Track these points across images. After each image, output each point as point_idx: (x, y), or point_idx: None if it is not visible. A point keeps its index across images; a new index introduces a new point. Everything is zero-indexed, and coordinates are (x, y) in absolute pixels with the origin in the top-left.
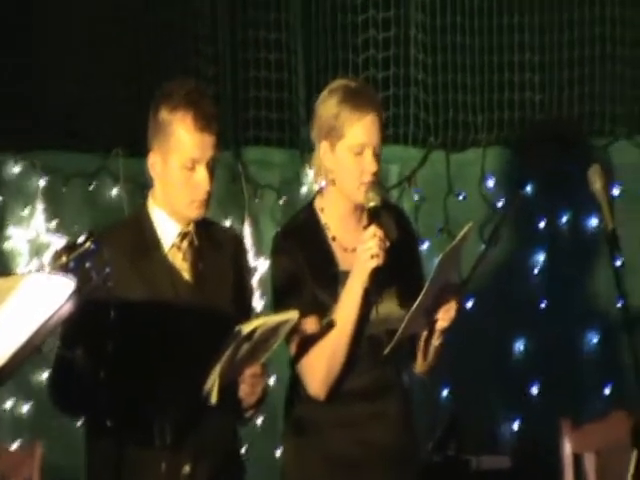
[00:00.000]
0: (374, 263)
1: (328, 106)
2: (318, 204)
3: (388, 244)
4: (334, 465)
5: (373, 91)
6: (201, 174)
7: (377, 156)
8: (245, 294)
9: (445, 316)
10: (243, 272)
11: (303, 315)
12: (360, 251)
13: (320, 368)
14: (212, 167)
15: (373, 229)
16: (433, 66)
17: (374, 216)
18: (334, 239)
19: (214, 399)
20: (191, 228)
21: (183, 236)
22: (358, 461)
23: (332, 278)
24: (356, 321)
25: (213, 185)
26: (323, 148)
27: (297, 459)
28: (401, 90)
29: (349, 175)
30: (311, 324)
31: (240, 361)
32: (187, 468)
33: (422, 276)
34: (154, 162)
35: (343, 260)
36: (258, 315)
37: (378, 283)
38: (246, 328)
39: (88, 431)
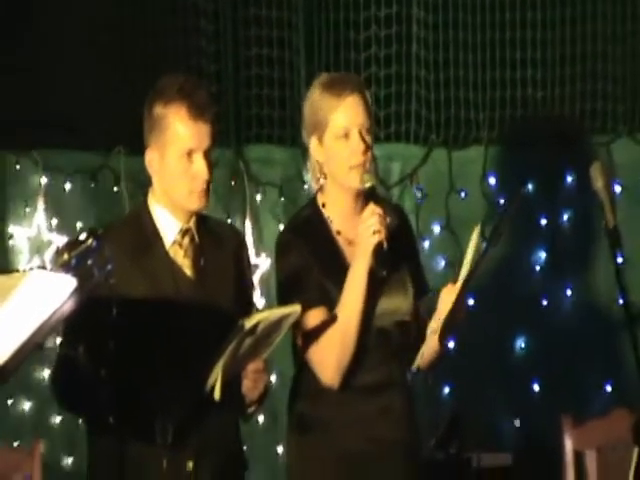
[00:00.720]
0: (376, 238)
1: (310, 102)
2: (320, 200)
3: (389, 220)
4: (341, 462)
5: (354, 76)
6: (199, 163)
7: (366, 136)
8: (246, 290)
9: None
10: (244, 268)
11: (311, 308)
12: (361, 229)
13: (332, 356)
14: (210, 156)
15: (372, 206)
16: (434, 63)
17: (372, 195)
18: (339, 233)
19: (218, 395)
20: (192, 224)
21: (184, 232)
22: (367, 458)
23: (340, 271)
24: (364, 302)
25: (212, 175)
26: (313, 144)
27: (302, 456)
28: (403, 87)
29: (339, 161)
30: (320, 315)
31: (243, 356)
32: (190, 465)
33: (422, 270)
34: (151, 159)
35: (349, 253)
36: (260, 310)
37: (382, 260)
38: (249, 322)
39: (90, 429)
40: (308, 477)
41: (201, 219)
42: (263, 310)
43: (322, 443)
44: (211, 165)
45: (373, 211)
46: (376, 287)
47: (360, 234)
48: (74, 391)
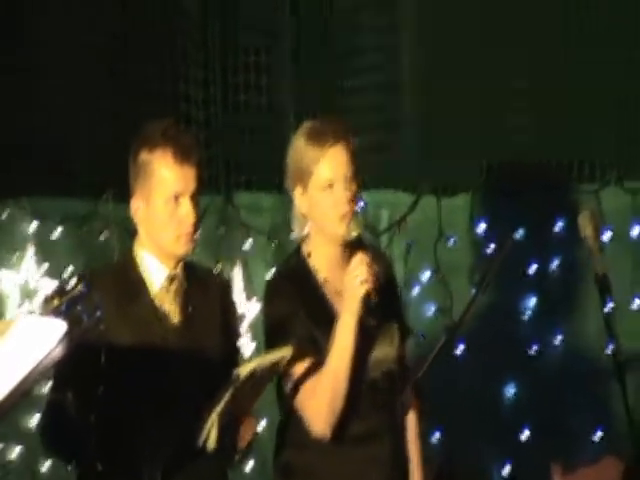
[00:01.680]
0: (364, 288)
1: (294, 150)
2: (305, 249)
3: (376, 269)
4: None
5: (338, 124)
6: (185, 207)
7: (350, 186)
8: (232, 337)
9: None
10: (230, 316)
11: (299, 353)
12: (348, 279)
13: (323, 406)
14: (196, 200)
15: (360, 255)
16: (424, 110)
17: (358, 243)
18: (326, 281)
19: (213, 444)
20: (179, 270)
21: (171, 279)
22: None
23: (328, 320)
24: (354, 352)
25: (199, 218)
26: (297, 194)
27: None
28: (390, 135)
29: (323, 211)
30: (308, 364)
31: (236, 403)
32: None
33: (403, 315)
34: (137, 207)
35: (337, 302)
36: (249, 358)
37: (371, 310)
38: (244, 371)
39: (79, 475)
40: None
41: (188, 266)
42: (254, 358)
43: None
44: (198, 208)
45: (361, 260)
46: (366, 337)
47: (347, 284)
48: (62, 437)
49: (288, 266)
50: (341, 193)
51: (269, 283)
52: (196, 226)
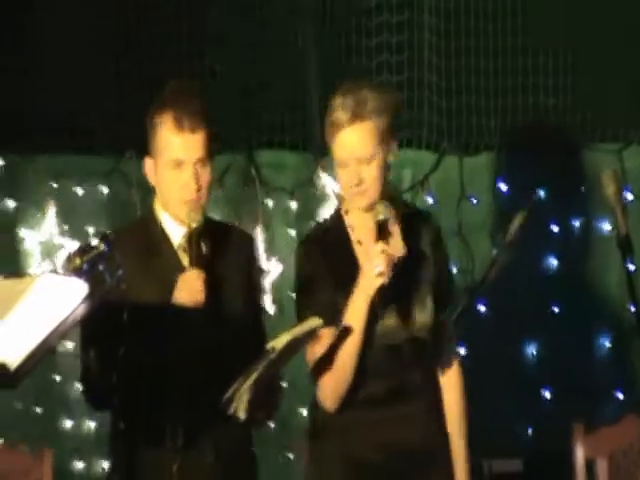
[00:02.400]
0: (380, 281)
1: (328, 112)
2: (344, 207)
3: (398, 256)
4: (354, 469)
5: (363, 97)
6: (186, 174)
7: (364, 167)
8: (255, 294)
9: None
10: (253, 272)
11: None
12: (367, 269)
13: (328, 382)
14: (204, 166)
15: (380, 246)
16: (446, 70)
17: (382, 231)
18: (359, 242)
19: (242, 415)
20: (195, 226)
21: (189, 236)
22: (379, 466)
23: (353, 283)
24: (361, 335)
25: (208, 185)
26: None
27: (318, 463)
28: (415, 94)
29: (340, 185)
30: (326, 335)
31: (266, 373)
32: (174, 468)
33: (444, 283)
34: (149, 167)
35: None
36: (273, 316)
37: (383, 298)
38: (277, 344)
39: (110, 433)
40: None
41: (208, 222)
42: (287, 330)
43: (337, 450)
44: (206, 175)
45: (382, 250)
46: (375, 320)
47: (364, 272)
48: (95, 395)
49: (323, 225)
50: (351, 176)
51: (299, 246)
52: (201, 194)
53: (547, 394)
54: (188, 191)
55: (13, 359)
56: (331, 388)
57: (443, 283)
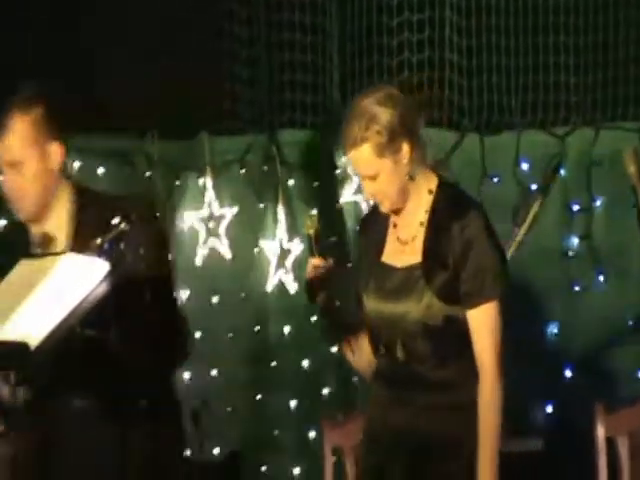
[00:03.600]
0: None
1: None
2: None
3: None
4: (367, 441)
5: (363, 119)
6: (2, 177)
7: (372, 181)
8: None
9: None
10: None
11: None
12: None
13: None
14: (12, 170)
15: (311, 261)
16: (468, 49)
17: (315, 243)
18: (395, 226)
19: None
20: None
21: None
22: (384, 443)
23: (370, 267)
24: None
25: (23, 186)
26: None
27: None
28: (435, 73)
29: None
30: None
31: None
32: None
33: (471, 277)
34: None
35: (390, 251)
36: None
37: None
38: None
39: None
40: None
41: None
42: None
43: (364, 423)
44: (23, 178)
45: (313, 265)
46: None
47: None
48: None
49: (373, 206)
50: (365, 188)
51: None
52: (18, 195)
53: (568, 373)
54: (7, 193)
55: (34, 338)
56: (351, 360)
57: (468, 283)
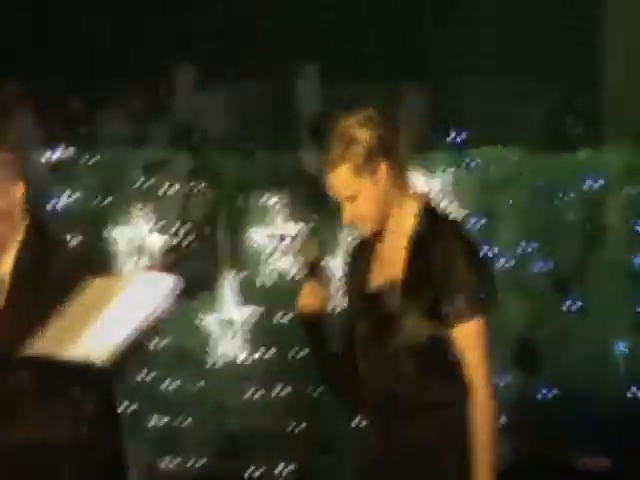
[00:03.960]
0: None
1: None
2: None
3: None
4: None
5: (343, 141)
6: None
7: (349, 201)
8: None
9: None
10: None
11: None
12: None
13: None
14: None
15: (307, 287)
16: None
17: (313, 269)
18: (379, 252)
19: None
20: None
21: None
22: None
23: (355, 286)
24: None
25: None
26: None
27: None
28: None
29: None
30: None
31: None
32: None
33: (455, 293)
34: None
35: (374, 277)
36: None
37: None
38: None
39: None
40: None
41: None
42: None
43: None
44: None
45: (310, 290)
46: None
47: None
48: None
49: None
50: (344, 209)
51: None
52: None
53: (633, 390)
54: None
55: (105, 356)
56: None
57: (449, 302)
